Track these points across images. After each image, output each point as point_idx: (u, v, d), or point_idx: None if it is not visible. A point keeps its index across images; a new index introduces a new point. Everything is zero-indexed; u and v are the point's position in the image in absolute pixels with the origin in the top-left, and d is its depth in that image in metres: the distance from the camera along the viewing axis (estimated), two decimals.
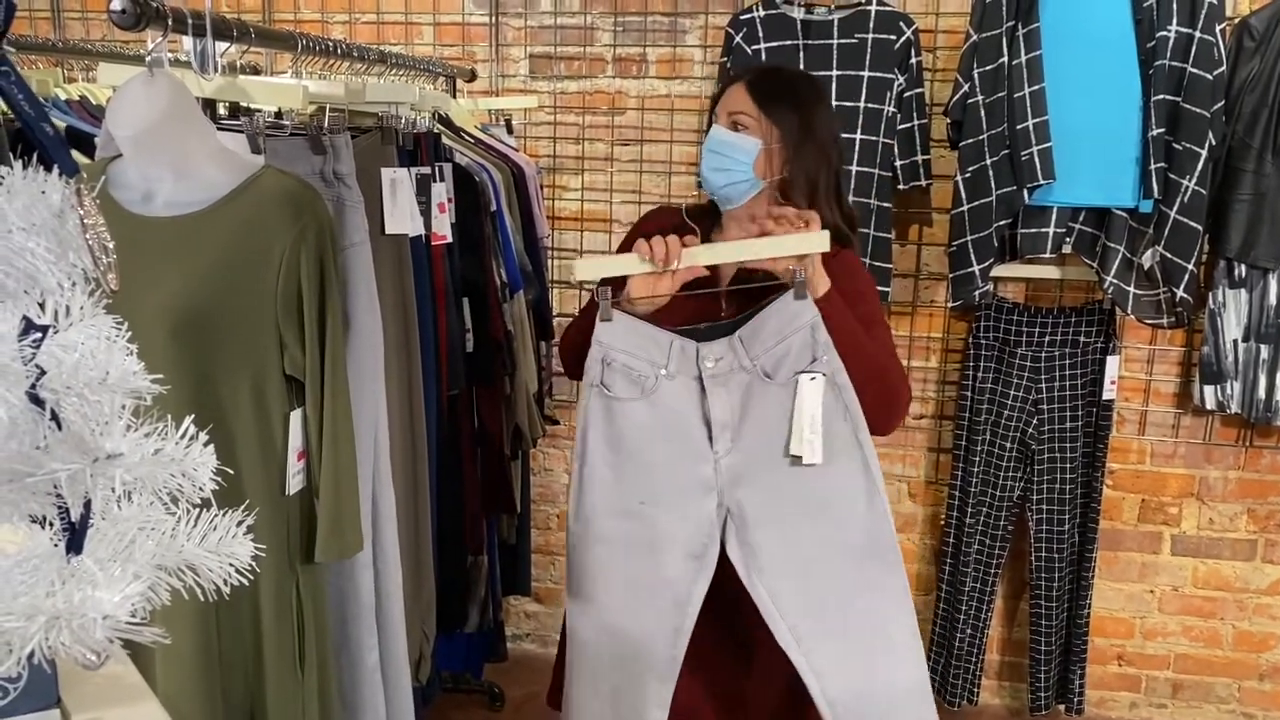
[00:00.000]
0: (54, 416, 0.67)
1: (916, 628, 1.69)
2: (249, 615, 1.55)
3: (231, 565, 0.83)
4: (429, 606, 1.93)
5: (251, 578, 1.49)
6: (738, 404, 1.63)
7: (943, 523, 2.98)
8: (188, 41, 1.49)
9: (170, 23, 1.37)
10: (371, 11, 3.10)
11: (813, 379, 1.60)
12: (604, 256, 1.90)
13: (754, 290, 1.65)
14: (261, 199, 1.46)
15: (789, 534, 1.62)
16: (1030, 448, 2.82)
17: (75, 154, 1.77)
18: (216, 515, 0.82)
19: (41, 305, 0.72)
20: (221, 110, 1.75)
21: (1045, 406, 2.80)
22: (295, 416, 1.54)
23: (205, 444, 0.80)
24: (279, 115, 1.83)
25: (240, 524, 0.83)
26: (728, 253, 1.63)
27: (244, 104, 1.70)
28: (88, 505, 0.69)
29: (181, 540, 0.80)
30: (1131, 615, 3.04)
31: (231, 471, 1.48)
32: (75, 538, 0.70)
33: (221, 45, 1.54)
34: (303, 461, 1.56)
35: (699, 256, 1.62)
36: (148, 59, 1.38)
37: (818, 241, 1.60)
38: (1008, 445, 2.82)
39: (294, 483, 1.55)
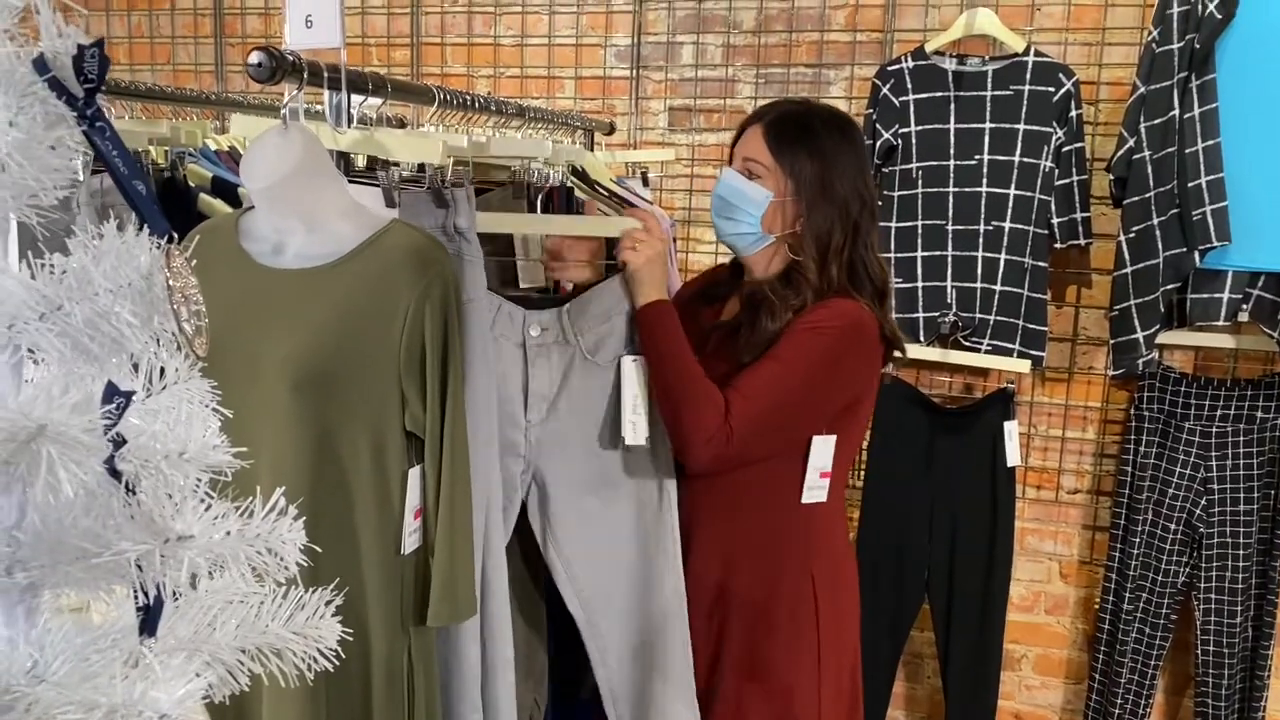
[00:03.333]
0: (130, 489, 0.63)
1: (687, 635, 1.71)
2: (359, 677, 1.51)
3: (318, 648, 0.77)
4: (541, 674, 1.86)
5: (363, 638, 1.48)
6: (557, 377, 1.66)
7: (1097, 607, 2.76)
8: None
9: (305, 76, 1.37)
10: (515, 66, 3.13)
11: (635, 360, 1.65)
12: None
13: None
14: (388, 253, 1.44)
15: (587, 512, 1.67)
16: (1198, 530, 2.59)
17: (215, 202, 1.81)
18: (303, 594, 0.77)
19: (136, 367, 0.69)
20: (360, 163, 1.76)
21: (1215, 486, 2.57)
22: (414, 474, 1.50)
23: (295, 518, 0.75)
24: (421, 169, 1.83)
25: (329, 603, 0.78)
26: (521, 223, 1.82)
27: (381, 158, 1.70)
28: (160, 587, 0.64)
29: (266, 620, 0.75)
30: None
31: (348, 529, 1.48)
32: (149, 620, 0.66)
33: (358, 98, 1.55)
34: (419, 520, 1.53)
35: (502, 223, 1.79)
36: (282, 111, 1.38)
37: (611, 226, 1.71)
38: (1172, 526, 2.60)
39: (409, 542, 1.51)
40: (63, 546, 0.62)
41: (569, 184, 2.08)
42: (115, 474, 0.63)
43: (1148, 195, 2.41)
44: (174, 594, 0.72)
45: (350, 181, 1.56)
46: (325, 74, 1.41)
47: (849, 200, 1.65)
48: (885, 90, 2.67)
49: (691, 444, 1.62)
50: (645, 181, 2.88)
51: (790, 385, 1.63)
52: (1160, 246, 2.41)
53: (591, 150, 2.70)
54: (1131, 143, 2.43)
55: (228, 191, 1.89)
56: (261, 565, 0.73)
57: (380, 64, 3.24)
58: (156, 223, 0.64)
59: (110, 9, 3.43)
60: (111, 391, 0.64)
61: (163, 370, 0.69)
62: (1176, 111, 2.37)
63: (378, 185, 1.58)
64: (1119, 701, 2.67)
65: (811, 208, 1.64)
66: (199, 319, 0.68)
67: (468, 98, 1.86)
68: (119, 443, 0.63)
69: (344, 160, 1.58)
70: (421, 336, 1.45)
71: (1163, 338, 2.52)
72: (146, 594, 0.64)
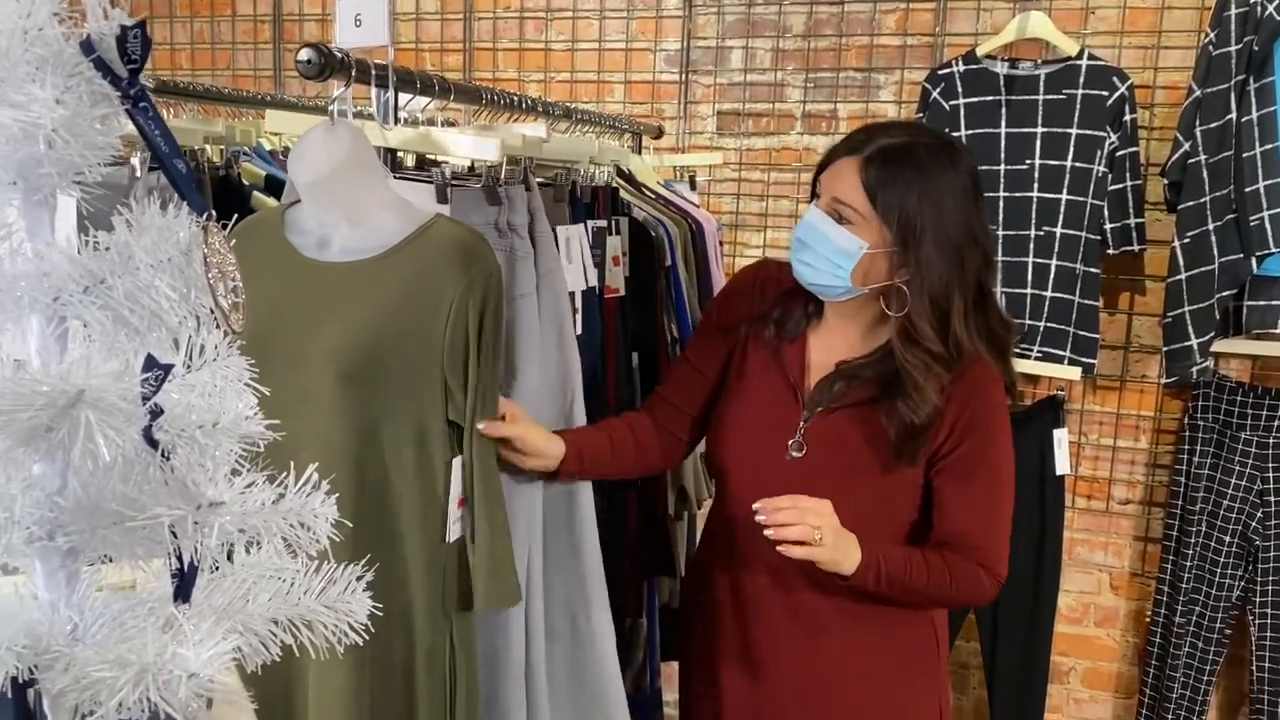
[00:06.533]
0: (166, 458, 0.65)
1: None
2: (403, 659, 1.53)
3: (348, 622, 0.79)
4: None
5: (407, 623, 1.50)
6: None
7: (1148, 620, 2.71)
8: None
9: (353, 73, 1.39)
10: (566, 70, 3.16)
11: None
12: None
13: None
14: (433, 247, 1.46)
15: None
16: (1253, 543, 2.53)
17: (269, 200, 1.84)
18: (334, 568, 0.78)
19: (176, 343, 0.71)
20: (409, 161, 1.79)
21: (1273, 499, 2.51)
22: (457, 463, 1.53)
23: (328, 493, 0.77)
24: (472, 168, 1.85)
25: (360, 578, 0.79)
26: None
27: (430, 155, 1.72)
28: (194, 553, 0.66)
29: (299, 594, 0.77)
30: None
31: (393, 516, 1.51)
32: (183, 585, 0.68)
33: (406, 97, 1.57)
34: (462, 509, 1.55)
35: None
36: (330, 108, 1.41)
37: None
38: (1226, 539, 2.54)
39: (453, 530, 1.54)
40: (101, 511, 0.64)
41: (615, 185, 2.09)
42: (152, 442, 0.65)
43: (1203, 200, 2.37)
44: (212, 566, 0.74)
45: (399, 179, 1.59)
46: (373, 71, 1.44)
47: (964, 250, 1.41)
48: (935, 94, 2.65)
49: (978, 601, 1.61)
50: (693, 185, 2.89)
51: (1006, 496, 1.54)
52: (1216, 252, 2.37)
53: (639, 154, 2.71)
54: (1187, 146, 2.39)
55: (280, 190, 1.93)
56: (294, 539, 0.75)
57: (434, 68, 3.29)
58: (195, 200, 0.66)
59: (174, 15, 3.52)
60: (151, 363, 0.66)
61: (202, 347, 0.71)
62: (1234, 115, 2.33)
63: (430, 182, 1.60)
64: (1169, 718, 2.62)
65: (921, 264, 1.39)
66: (236, 295, 0.70)
67: (515, 98, 1.88)
68: (156, 412, 0.65)
69: (392, 157, 1.61)
70: (465, 329, 1.46)
71: (1218, 346, 2.47)
72: (180, 560, 0.66)
